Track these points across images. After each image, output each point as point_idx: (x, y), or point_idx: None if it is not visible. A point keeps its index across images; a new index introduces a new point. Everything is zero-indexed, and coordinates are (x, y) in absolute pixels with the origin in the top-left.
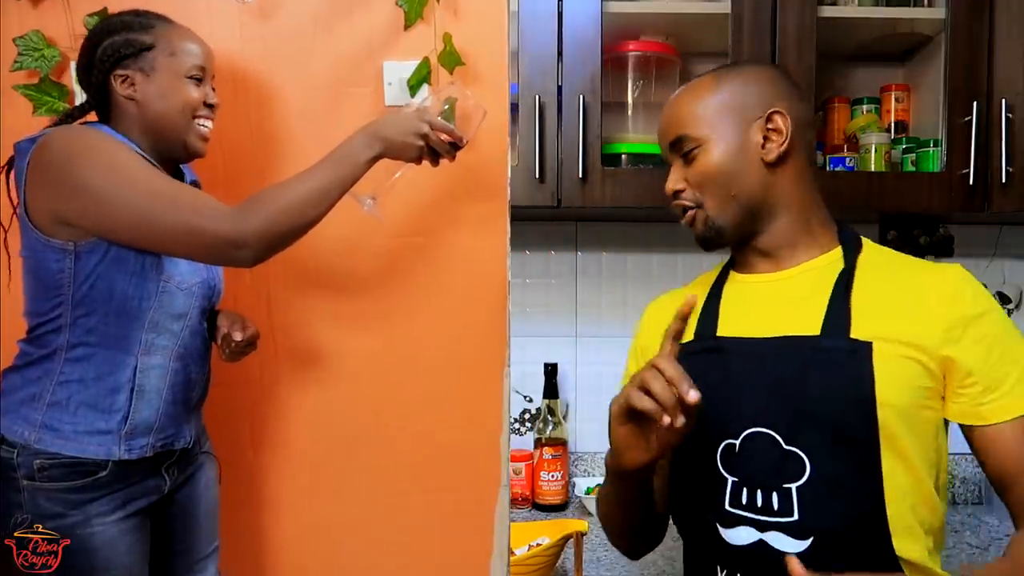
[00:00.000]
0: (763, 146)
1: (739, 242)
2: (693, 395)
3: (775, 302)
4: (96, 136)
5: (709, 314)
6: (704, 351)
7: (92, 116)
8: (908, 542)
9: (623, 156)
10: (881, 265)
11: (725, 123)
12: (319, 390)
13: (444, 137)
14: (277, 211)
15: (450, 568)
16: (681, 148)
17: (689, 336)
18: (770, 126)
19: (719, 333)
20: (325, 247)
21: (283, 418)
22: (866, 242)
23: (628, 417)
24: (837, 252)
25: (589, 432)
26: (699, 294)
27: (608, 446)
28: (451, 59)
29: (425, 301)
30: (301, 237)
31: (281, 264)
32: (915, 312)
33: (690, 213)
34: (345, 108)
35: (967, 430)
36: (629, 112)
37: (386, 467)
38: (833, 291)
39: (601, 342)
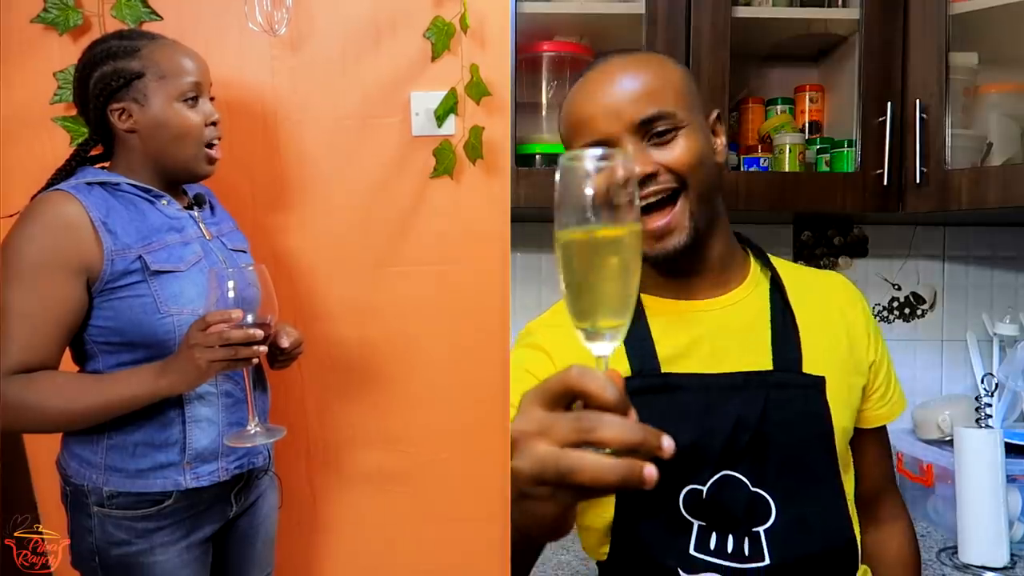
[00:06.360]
0: (714, 146)
1: (688, 259)
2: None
3: (718, 333)
4: (43, 225)
5: (642, 346)
6: (651, 390)
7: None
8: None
9: (537, 156)
10: (795, 281)
11: (696, 110)
12: (338, 413)
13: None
14: (37, 411)
15: None
16: (654, 127)
17: (623, 370)
18: (718, 125)
19: (664, 369)
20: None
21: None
22: (770, 256)
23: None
24: (756, 268)
25: None
26: None
27: None
28: (478, 89)
29: (439, 328)
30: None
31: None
32: (844, 333)
33: (667, 209)
34: (373, 138)
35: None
36: (543, 112)
37: (404, 496)
38: (772, 319)
39: None
